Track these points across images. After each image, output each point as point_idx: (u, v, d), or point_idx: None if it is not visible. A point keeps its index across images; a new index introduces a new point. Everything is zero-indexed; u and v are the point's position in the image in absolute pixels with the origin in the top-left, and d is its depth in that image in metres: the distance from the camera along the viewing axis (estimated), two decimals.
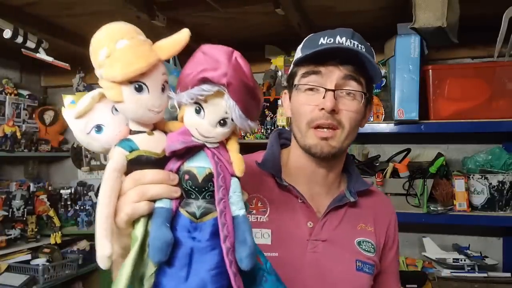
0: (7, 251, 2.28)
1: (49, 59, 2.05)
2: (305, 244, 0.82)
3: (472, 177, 1.88)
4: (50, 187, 2.84)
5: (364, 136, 2.28)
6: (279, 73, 2.20)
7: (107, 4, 1.74)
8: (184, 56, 0.56)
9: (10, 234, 2.35)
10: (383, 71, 2.00)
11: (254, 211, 0.83)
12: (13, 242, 2.36)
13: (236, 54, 0.51)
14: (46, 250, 2.37)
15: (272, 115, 2.25)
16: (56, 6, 1.81)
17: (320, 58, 0.81)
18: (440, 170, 1.94)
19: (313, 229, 0.83)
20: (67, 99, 0.53)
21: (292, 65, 0.88)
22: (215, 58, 0.50)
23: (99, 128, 0.52)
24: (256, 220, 0.82)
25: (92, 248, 2.54)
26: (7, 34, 1.83)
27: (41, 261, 2.28)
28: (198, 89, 0.49)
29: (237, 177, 0.54)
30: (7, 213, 2.38)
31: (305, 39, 0.87)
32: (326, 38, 0.81)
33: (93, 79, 0.72)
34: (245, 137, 2.19)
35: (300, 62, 0.84)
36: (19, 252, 2.32)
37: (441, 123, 1.85)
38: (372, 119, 1.93)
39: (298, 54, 0.86)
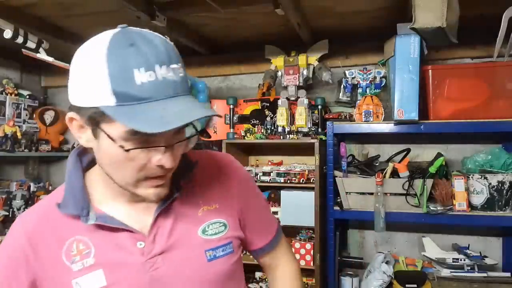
0: None
1: (49, 59, 2.06)
2: (143, 267, 0.74)
3: (472, 177, 1.88)
4: (50, 187, 2.83)
5: (364, 136, 2.28)
6: (279, 73, 2.20)
7: (107, 5, 1.75)
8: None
9: None
10: (382, 72, 2.00)
11: (78, 257, 0.73)
12: None
13: None
14: None
15: (272, 115, 2.25)
16: (56, 7, 1.82)
17: None
18: (439, 170, 1.94)
19: (145, 248, 0.75)
20: None
21: (94, 103, 0.63)
22: None
23: None
24: (82, 267, 0.73)
25: None
26: (8, 34, 1.83)
27: None
28: None
29: None
30: (7, 213, 2.39)
31: (108, 59, 0.61)
32: (143, 71, 0.60)
33: None
34: (245, 137, 2.18)
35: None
36: None
37: (441, 123, 1.85)
38: (372, 119, 1.93)
39: (103, 86, 0.61)
